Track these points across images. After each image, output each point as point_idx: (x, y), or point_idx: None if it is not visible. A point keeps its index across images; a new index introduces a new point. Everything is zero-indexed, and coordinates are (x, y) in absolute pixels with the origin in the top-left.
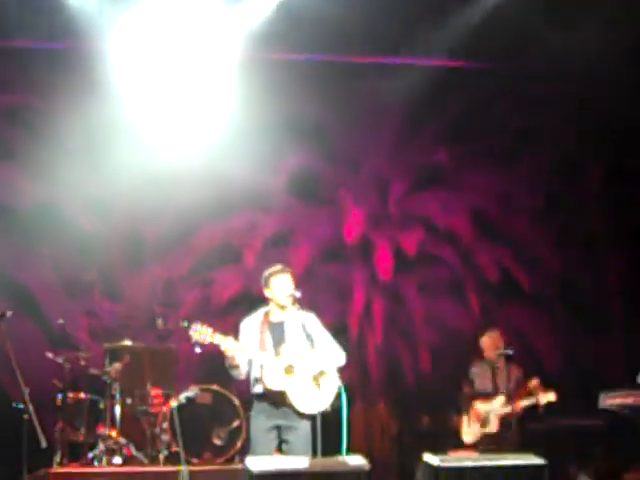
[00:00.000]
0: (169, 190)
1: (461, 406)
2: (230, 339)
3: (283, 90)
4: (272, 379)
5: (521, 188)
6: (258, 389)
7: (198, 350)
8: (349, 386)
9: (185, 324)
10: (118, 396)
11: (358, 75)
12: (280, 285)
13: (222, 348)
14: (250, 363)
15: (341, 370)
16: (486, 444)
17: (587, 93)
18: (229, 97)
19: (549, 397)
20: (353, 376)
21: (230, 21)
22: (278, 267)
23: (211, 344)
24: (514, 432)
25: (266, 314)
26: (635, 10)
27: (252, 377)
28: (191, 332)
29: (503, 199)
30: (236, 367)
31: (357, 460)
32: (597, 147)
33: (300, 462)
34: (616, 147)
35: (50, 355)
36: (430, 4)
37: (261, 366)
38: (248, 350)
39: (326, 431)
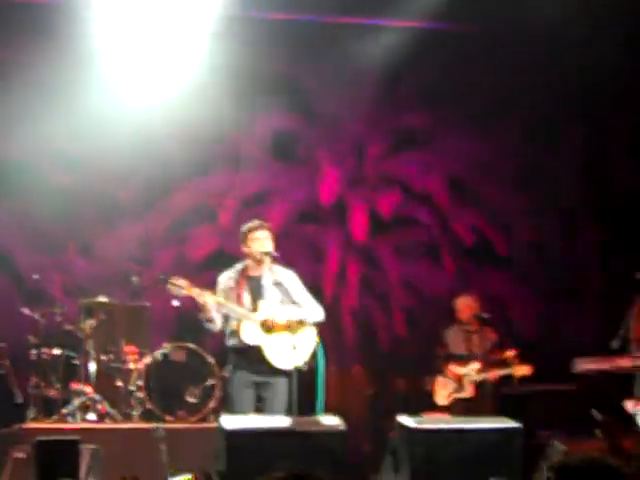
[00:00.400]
0: (143, 149)
1: (435, 368)
2: (207, 293)
3: (262, 50)
4: (249, 334)
5: (500, 154)
6: (234, 343)
7: (176, 303)
8: (324, 347)
9: (162, 277)
10: (92, 352)
11: (337, 36)
12: (258, 241)
13: (200, 301)
14: (226, 318)
15: (318, 328)
16: (460, 408)
17: (570, 59)
18: (206, 56)
19: (524, 370)
20: (328, 338)
21: None
22: (256, 222)
23: (187, 297)
24: (488, 397)
25: (244, 269)
26: None
27: (228, 331)
28: (168, 285)
29: (481, 164)
30: (211, 320)
31: (333, 420)
32: (579, 115)
33: (275, 421)
34: (599, 115)
35: (26, 311)
36: None
37: (238, 320)
38: (225, 303)
39: (301, 391)
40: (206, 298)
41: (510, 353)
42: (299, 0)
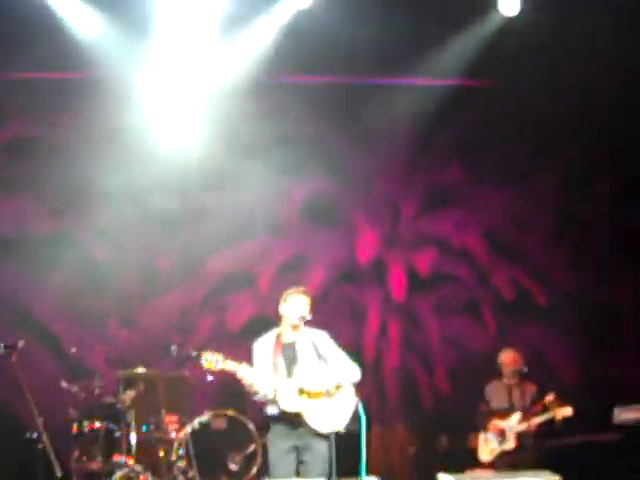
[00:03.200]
0: (180, 219)
1: (478, 424)
2: (243, 365)
3: (292, 113)
4: (286, 401)
5: (533, 205)
6: (272, 410)
7: (210, 378)
8: (366, 408)
9: (195, 354)
10: (133, 424)
11: (367, 96)
12: (294, 304)
13: (237, 375)
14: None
15: (358, 389)
16: (503, 462)
17: (594, 107)
18: (238, 123)
19: (565, 411)
20: (370, 398)
21: (237, 46)
22: (300, 288)
23: (223, 371)
24: (531, 449)
25: (278, 335)
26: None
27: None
28: (202, 361)
29: (515, 217)
30: (256, 393)
31: None
32: (607, 163)
33: None
34: (626, 162)
35: (64, 384)
36: (436, 24)
37: (275, 390)
38: (261, 373)
39: (344, 453)
40: (241, 371)
41: (550, 397)
42: (329, 62)
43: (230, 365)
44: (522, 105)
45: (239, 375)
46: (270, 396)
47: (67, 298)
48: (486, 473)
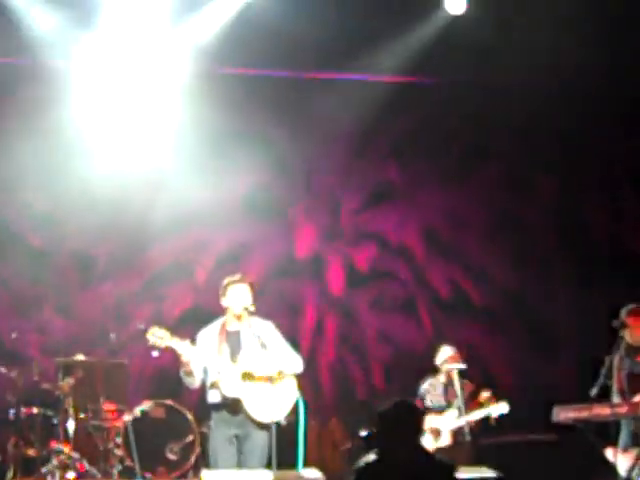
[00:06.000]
0: (120, 208)
1: None
2: (187, 343)
3: (234, 106)
4: (229, 386)
5: (472, 204)
6: (214, 397)
7: (155, 354)
8: (303, 401)
9: (142, 326)
10: (71, 411)
11: (310, 90)
12: (236, 294)
13: (179, 352)
14: (205, 371)
15: (298, 380)
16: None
17: (538, 107)
18: (180, 113)
19: (501, 408)
20: (305, 392)
21: (181, 37)
22: (237, 276)
23: (167, 348)
24: (467, 446)
25: (223, 324)
26: (584, 27)
27: (208, 385)
28: (148, 335)
29: (454, 216)
30: (190, 374)
31: (314, 474)
32: (549, 162)
33: (256, 476)
34: (568, 162)
35: (2, 369)
36: (382, 21)
37: (218, 372)
38: (205, 356)
39: (280, 444)
40: (185, 349)
41: (485, 394)
42: (273, 56)
43: (175, 342)
44: (463, 103)
45: (180, 351)
46: (197, 384)
47: (2, 286)
48: None
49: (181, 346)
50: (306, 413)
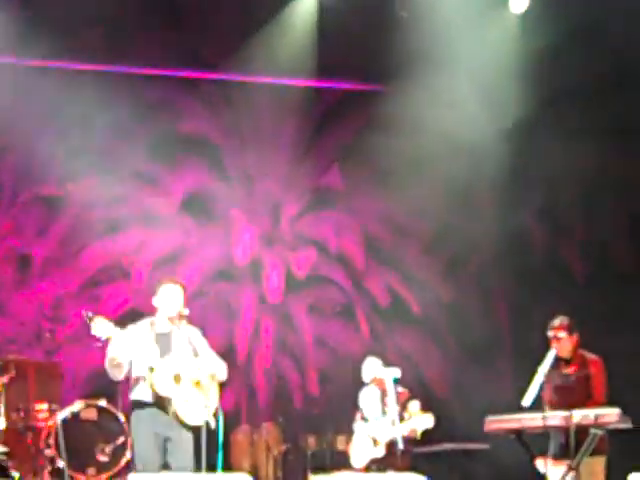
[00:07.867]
0: (58, 209)
1: (351, 430)
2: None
3: (176, 107)
4: (162, 384)
5: (412, 214)
6: (142, 394)
7: (99, 344)
8: (236, 406)
9: (89, 314)
10: (2, 410)
11: (252, 95)
12: (169, 295)
13: (117, 343)
14: (131, 364)
15: (225, 388)
16: (375, 469)
17: (481, 115)
18: (130, 112)
19: (426, 422)
20: (241, 396)
21: None
22: (168, 279)
23: (109, 340)
24: (401, 456)
25: (152, 324)
26: None
27: (134, 379)
28: (93, 324)
29: (394, 224)
30: (119, 366)
31: (243, 478)
32: (489, 175)
33: (184, 479)
34: (508, 173)
35: None
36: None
37: (150, 369)
38: (133, 350)
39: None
40: (125, 340)
41: (413, 407)
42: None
43: (118, 332)
44: (408, 111)
45: (120, 343)
46: (121, 377)
47: None
48: (356, 475)
49: (122, 336)
50: (234, 420)
